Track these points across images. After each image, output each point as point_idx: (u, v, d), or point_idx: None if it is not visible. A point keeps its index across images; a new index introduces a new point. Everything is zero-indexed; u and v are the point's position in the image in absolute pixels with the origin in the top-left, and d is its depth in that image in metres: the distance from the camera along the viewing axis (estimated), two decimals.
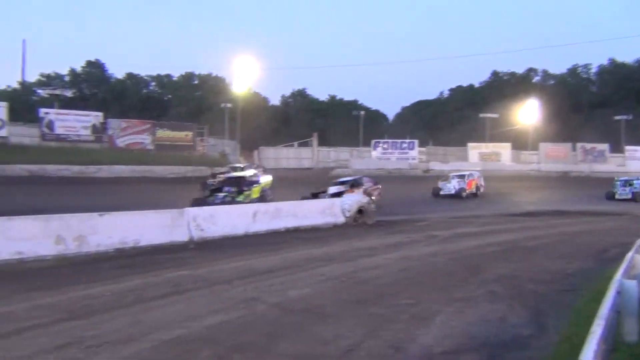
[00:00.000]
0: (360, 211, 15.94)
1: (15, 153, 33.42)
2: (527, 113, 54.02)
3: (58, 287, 7.42)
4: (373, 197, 21.50)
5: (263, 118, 57.28)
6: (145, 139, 44.19)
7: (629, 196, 29.10)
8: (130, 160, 36.23)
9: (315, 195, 20.60)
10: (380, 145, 52.79)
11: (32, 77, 58.27)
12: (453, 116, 63.98)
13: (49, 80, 60.29)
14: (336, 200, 16.32)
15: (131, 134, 43.71)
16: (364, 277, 8.35)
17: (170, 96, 65.95)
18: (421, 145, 53.09)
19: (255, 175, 22.59)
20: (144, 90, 67.00)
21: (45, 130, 40.17)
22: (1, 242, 8.82)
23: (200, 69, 68.46)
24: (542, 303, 6.90)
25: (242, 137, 48.92)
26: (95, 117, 42.85)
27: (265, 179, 22.14)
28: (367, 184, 23.39)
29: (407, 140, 52.90)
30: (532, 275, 8.68)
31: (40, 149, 36.59)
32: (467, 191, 29.23)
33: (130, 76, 65.65)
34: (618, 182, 30.59)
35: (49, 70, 61.22)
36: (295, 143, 53.67)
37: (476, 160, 51.13)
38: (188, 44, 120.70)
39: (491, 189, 33.16)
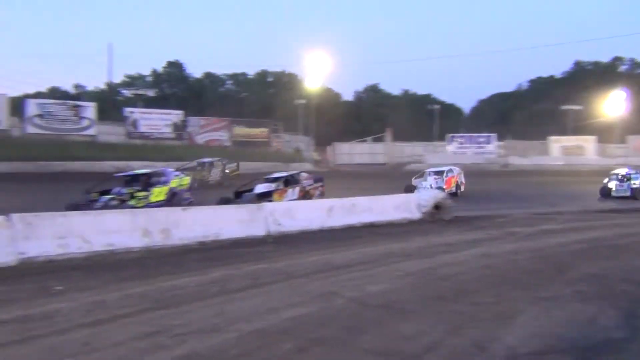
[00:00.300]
0: (437, 207, 15.67)
1: (104, 150, 35.39)
2: (613, 104, 51.12)
3: (146, 277, 7.78)
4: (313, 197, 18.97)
5: (336, 114, 57.54)
6: (223, 136, 45.65)
7: (628, 193, 24.52)
8: (209, 156, 37.34)
9: (238, 195, 18.03)
10: (456, 139, 51.72)
11: (118, 79, 61.43)
12: (532, 109, 61.58)
13: (133, 81, 63.26)
14: (412, 195, 16.14)
15: (209, 131, 45.27)
16: (444, 273, 8.20)
17: (245, 94, 67.51)
18: (499, 139, 51.51)
19: (163, 174, 18.37)
20: (221, 89, 68.93)
21: (131, 128, 42.38)
22: (95, 235, 9.37)
23: (275, 67, 69.67)
24: (635, 305, 6.52)
25: (315, 133, 49.33)
26: (176, 115, 44.74)
27: (179, 180, 18.59)
28: (306, 181, 20.37)
29: (484, 134, 51.55)
30: (623, 275, 8.21)
31: (126, 146, 38.58)
32: (447, 190, 24.62)
33: (208, 75, 67.76)
34: (614, 177, 25.78)
35: (132, 71, 64.38)
36: (369, 138, 53.54)
37: (558, 154, 49.07)
38: (262, 42, 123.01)
39: (574, 184, 31.72)
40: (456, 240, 11.85)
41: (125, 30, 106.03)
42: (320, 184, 20.85)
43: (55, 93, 55.99)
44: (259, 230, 11.89)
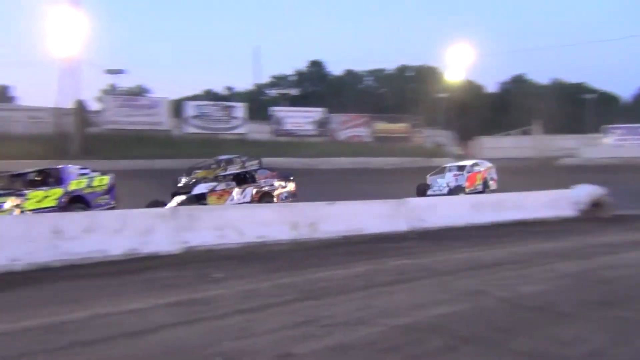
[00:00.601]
0: (595, 204, 14.49)
1: (253, 147, 37.48)
2: None
3: (295, 269, 8.13)
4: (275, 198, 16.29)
5: (479, 106, 55.43)
6: (363, 132, 46.13)
7: None
8: (350, 152, 38.02)
9: (174, 196, 15.52)
10: (615, 131, 47.33)
11: (264, 79, 64.65)
12: None
13: (278, 81, 66.16)
14: (565, 192, 15.08)
15: (350, 127, 45.98)
16: (605, 276, 7.54)
17: (385, 89, 67.48)
18: None
19: (58, 173, 14.29)
20: (361, 85, 69.57)
21: (276, 126, 44.43)
22: (248, 227, 10.02)
23: (414, 61, 68.70)
24: None
25: (458, 127, 48.06)
26: (318, 113, 46.08)
27: (87, 181, 14.38)
28: (266, 180, 16.92)
29: None
30: None
31: (272, 143, 40.52)
32: (469, 189, 20.85)
33: (348, 72, 68.73)
34: None
35: (278, 71, 67.35)
36: (515, 131, 50.98)
37: None
38: (402, 36, 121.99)
39: None
40: (618, 240, 10.88)
41: (271, 32, 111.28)
42: (286, 183, 17.48)
43: (209, 95, 60.25)
44: (401, 226, 11.90)
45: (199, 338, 4.99)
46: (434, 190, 20.34)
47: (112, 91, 45.76)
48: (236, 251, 9.56)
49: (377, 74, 69.83)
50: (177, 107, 43.01)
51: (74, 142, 33.27)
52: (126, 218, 9.23)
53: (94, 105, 42.97)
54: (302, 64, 67.45)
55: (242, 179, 16.43)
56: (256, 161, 27.41)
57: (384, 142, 44.48)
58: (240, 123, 43.13)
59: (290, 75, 67.20)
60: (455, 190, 20.11)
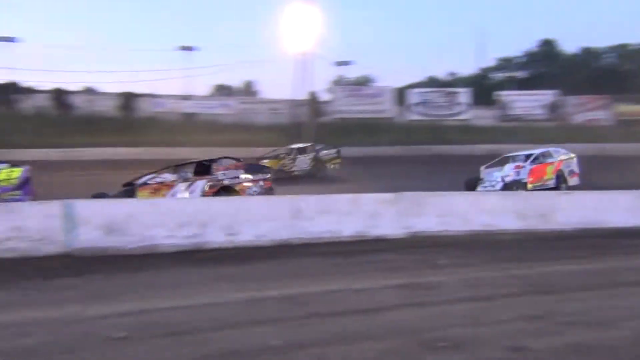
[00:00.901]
0: None
1: (476, 134, 36.54)
2: None
3: (525, 260, 7.72)
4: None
5: None
6: (603, 115, 41.99)
7: None
8: (586, 137, 34.61)
9: (129, 185, 12.80)
10: None
11: (490, 62, 62.16)
12: None
13: (505, 64, 63.07)
14: None
15: (587, 110, 42.26)
16: None
17: (630, 66, 59.84)
18: None
19: None
20: (600, 64, 62.75)
21: (502, 111, 42.73)
22: (473, 215, 9.78)
23: None
24: None
25: None
26: (549, 95, 43.19)
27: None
28: (226, 172, 13.26)
29: None
30: None
31: (497, 129, 38.98)
32: (533, 184, 15.95)
33: (585, 50, 62.50)
34: None
35: (504, 53, 64.07)
36: None
37: None
38: None
39: None
40: None
41: (497, 14, 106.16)
42: (260, 176, 13.79)
43: (432, 82, 60.06)
44: None
45: (425, 321, 5.06)
46: (485, 186, 16.37)
47: (340, 82, 48.31)
48: (460, 238, 9.39)
49: (620, 50, 62.22)
50: (401, 95, 43.83)
51: (308, 130, 36.05)
52: (356, 202, 9.69)
53: (324, 96, 45.84)
54: (531, 44, 63.27)
55: (206, 170, 13.59)
56: (334, 150, 25.37)
57: (628, 126, 39.57)
58: (463, 109, 42.43)
59: (517, 57, 63.52)
60: (511, 186, 15.99)
